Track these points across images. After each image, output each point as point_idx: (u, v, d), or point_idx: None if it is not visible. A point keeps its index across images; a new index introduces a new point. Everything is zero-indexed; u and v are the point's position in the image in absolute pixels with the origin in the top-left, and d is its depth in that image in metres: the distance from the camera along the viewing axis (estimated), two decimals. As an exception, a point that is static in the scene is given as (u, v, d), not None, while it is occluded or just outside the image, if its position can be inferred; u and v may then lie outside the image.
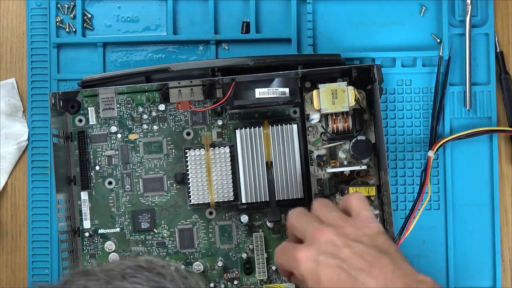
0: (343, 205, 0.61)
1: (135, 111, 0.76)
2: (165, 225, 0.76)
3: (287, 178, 0.73)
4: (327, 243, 0.56)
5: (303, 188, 0.73)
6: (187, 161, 0.74)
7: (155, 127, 0.76)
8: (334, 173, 0.74)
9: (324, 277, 0.55)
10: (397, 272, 0.55)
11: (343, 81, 0.73)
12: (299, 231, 0.60)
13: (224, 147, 0.74)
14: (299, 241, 0.59)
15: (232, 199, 0.74)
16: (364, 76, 0.74)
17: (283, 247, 0.60)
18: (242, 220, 0.75)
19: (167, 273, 0.48)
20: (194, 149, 0.74)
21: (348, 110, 0.72)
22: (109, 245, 0.76)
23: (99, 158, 0.76)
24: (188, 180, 0.74)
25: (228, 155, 0.74)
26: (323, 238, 0.56)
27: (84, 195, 0.76)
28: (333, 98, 0.72)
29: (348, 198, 0.61)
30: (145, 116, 0.76)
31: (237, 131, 0.73)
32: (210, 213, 0.76)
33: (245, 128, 0.74)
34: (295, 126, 0.74)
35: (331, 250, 0.56)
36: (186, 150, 0.74)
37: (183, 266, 0.60)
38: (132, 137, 0.76)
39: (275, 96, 0.71)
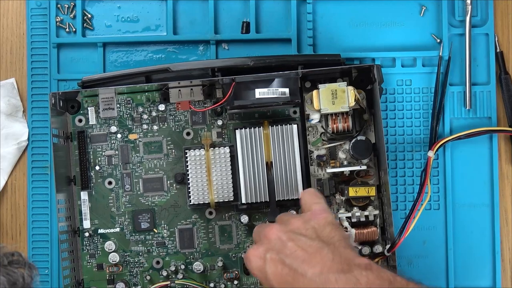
0: (301, 204, 0.66)
1: (135, 111, 0.76)
2: (165, 225, 0.76)
3: (287, 178, 0.73)
4: (274, 240, 0.60)
5: (303, 188, 0.73)
6: (187, 161, 0.74)
7: (155, 127, 0.76)
8: (334, 173, 0.74)
9: (269, 273, 0.59)
10: (336, 259, 0.57)
11: (343, 81, 0.73)
12: (257, 235, 0.64)
13: (224, 147, 0.74)
14: None
15: (232, 199, 0.74)
16: (364, 76, 0.74)
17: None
18: (242, 220, 0.75)
19: None
20: (194, 149, 0.74)
21: (348, 110, 0.72)
22: (109, 245, 0.76)
23: (99, 158, 0.76)
24: (188, 180, 0.74)
25: (228, 155, 0.74)
26: (271, 235, 0.60)
27: (84, 195, 0.76)
28: (333, 98, 0.72)
29: (301, 197, 0.66)
30: (145, 116, 0.76)
31: (237, 131, 0.73)
32: (210, 213, 0.76)
33: (245, 128, 0.74)
34: (295, 126, 0.74)
35: (277, 246, 0.59)
36: (186, 150, 0.74)
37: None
38: (132, 137, 0.76)
39: (275, 96, 0.71)
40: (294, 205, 0.75)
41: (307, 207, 0.64)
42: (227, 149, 0.74)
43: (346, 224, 0.74)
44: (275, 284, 0.58)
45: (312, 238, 0.59)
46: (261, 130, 0.74)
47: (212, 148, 0.74)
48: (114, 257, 0.75)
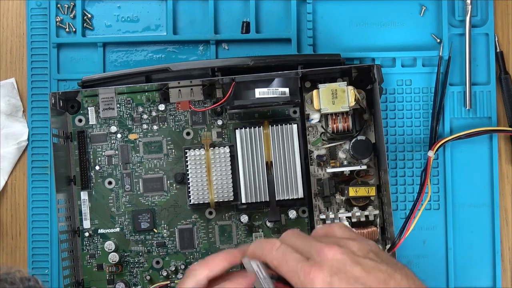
0: (324, 233, 0.58)
1: (135, 111, 0.76)
2: (165, 225, 0.76)
3: (287, 178, 0.73)
4: (337, 261, 0.53)
5: (303, 188, 0.73)
6: (187, 161, 0.74)
7: (155, 127, 0.76)
8: (334, 173, 0.74)
9: None
10: (410, 282, 0.53)
11: (343, 81, 0.73)
12: (302, 245, 0.56)
13: (224, 147, 0.74)
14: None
15: (232, 199, 0.74)
16: (364, 76, 0.74)
17: (285, 254, 0.55)
18: (242, 220, 0.75)
19: (8, 278, 0.48)
20: (194, 149, 0.74)
21: (348, 110, 0.72)
22: (109, 245, 0.76)
23: (99, 158, 0.76)
24: (188, 180, 0.74)
25: (228, 155, 0.74)
26: (331, 255, 0.53)
27: (84, 195, 0.76)
28: (333, 98, 0.72)
29: (331, 227, 0.58)
30: (145, 116, 0.76)
31: (237, 131, 0.73)
32: (210, 213, 0.76)
33: (245, 128, 0.74)
34: (295, 126, 0.74)
35: (343, 269, 0.53)
36: (186, 150, 0.74)
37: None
38: (132, 137, 0.76)
39: (275, 96, 0.71)
40: (294, 205, 0.75)
41: (346, 236, 0.57)
42: (227, 149, 0.74)
43: (346, 224, 0.74)
44: None
45: (376, 262, 0.54)
46: (261, 130, 0.74)
47: (212, 148, 0.74)
48: (114, 257, 0.75)
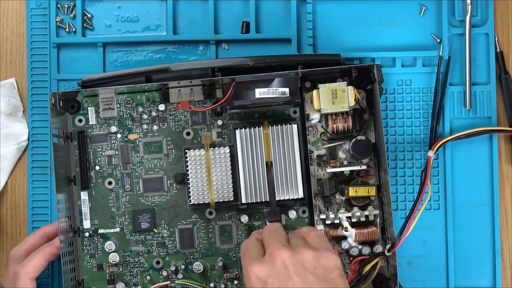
0: (302, 234, 0.62)
1: (135, 111, 0.76)
2: (165, 225, 0.76)
3: (287, 178, 0.73)
4: (280, 265, 0.57)
5: (303, 188, 0.73)
6: (187, 161, 0.74)
7: (155, 127, 0.76)
8: (334, 173, 0.74)
9: None
10: None
11: (343, 81, 0.73)
12: (265, 242, 0.61)
13: (224, 147, 0.74)
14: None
15: (232, 199, 0.74)
16: (364, 76, 0.74)
17: (246, 248, 0.61)
18: (242, 220, 0.75)
19: None
20: (194, 149, 0.74)
21: (348, 110, 0.72)
22: (109, 245, 0.76)
23: (99, 158, 0.76)
24: (188, 180, 0.74)
25: (228, 155, 0.74)
26: (279, 258, 0.57)
27: (84, 195, 0.76)
28: (333, 98, 0.72)
29: (308, 233, 0.62)
30: (145, 116, 0.76)
31: (237, 131, 0.73)
32: (210, 213, 0.76)
33: (245, 128, 0.74)
34: (295, 126, 0.74)
35: (282, 274, 0.56)
36: (186, 150, 0.74)
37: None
38: (132, 137, 0.76)
39: (275, 96, 0.71)
40: (294, 205, 0.75)
41: (317, 244, 0.60)
42: (227, 149, 0.74)
43: (346, 224, 0.74)
44: None
45: (319, 279, 0.57)
46: (261, 130, 0.74)
47: (212, 148, 0.74)
48: (114, 257, 0.75)
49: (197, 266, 0.75)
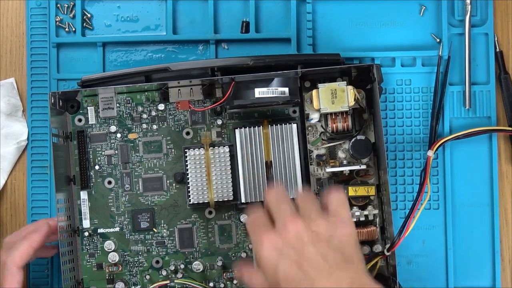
0: (323, 200, 0.61)
1: (134, 110, 0.76)
2: (165, 225, 0.76)
3: (286, 177, 0.73)
4: (295, 236, 0.56)
5: (302, 187, 0.73)
6: (186, 161, 0.74)
7: (155, 127, 0.76)
8: (333, 172, 0.74)
9: (281, 271, 0.56)
10: (355, 282, 0.55)
11: (342, 81, 0.73)
12: (274, 212, 0.60)
13: (224, 146, 0.74)
14: (272, 219, 0.60)
15: (231, 199, 0.74)
16: (363, 76, 0.74)
17: (254, 220, 0.60)
18: (241, 220, 0.75)
19: None
20: (194, 149, 0.74)
21: (348, 109, 0.72)
22: (109, 244, 0.76)
23: (99, 158, 0.76)
24: (188, 179, 0.74)
25: (228, 154, 0.74)
26: (293, 228, 0.56)
27: (83, 195, 0.76)
28: (332, 98, 0.72)
29: (329, 196, 0.61)
30: (144, 116, 0.76)
31: (237, 131, 0.73)
32: (210, 212, 0.76)
33: (245, 127, 0.74)
34: (294, 126, 0.74)
35: (297, 244, 0.56)
36: (185, 150, 0.74)
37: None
38: (131, 136, 0.76)
39: (274, 95, 0.71)
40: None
41: (333, 211, 0.60)
42: (226, 149, 0.74)
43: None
44: (283, 283, 0.56)
45: (335, 250, 0.56)
46: (260, 130, 0.74)
47: (211, 148, 0.74)
48: (113, 257, 0.75)
49: (197, 265, 0.75)
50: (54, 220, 0.73)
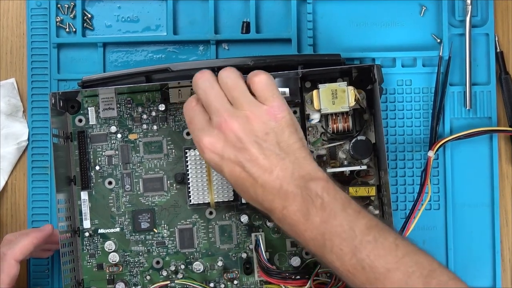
0: (252, 87, 0.62)
1: (135, 111, 0.76)
2: (165, 225, 0.76)
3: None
4: (233, 137, 0.59)
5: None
6: (187, 161, 0.74)
7: (155, 127, 0.76)
8: (334, 173, 0.74)
9: (226, 171, 0.60)
10: (295, 173, 0.59)
11: (343, 81, 0.73)
12: (206, 105, 0.62)
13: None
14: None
15: (232, 199, 0.74)
16: (364, 76, 0.74)
17: (190, 117, 0.63)
18: (242, 220, 0.75)
19: None
20: (194, 149, 0.74)
21: (348, 110, 0.72)
22: (109, 245, 0.76)
23: (99, 158, 0.76)
24: (188, 180, 0.74)
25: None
26: (229, 131, 0.59)
27: (84, 195, 0.76)
28: (333, 98, 0.72)
29: (252, 80, 0.62)
30: (145, 116, 0.76)
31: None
32: (210, 213, 0.76)
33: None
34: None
35: (237, 145, 0.59)
36: (186, 150, 0.74)
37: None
38: (132, 137, 0.76)
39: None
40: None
41: (262, 98, 0.61)
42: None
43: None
44: (231, 181, 0.61)
45: (273, 144, 0.59)
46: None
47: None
48: (114, 257, 0.75)
49: (197, 266, 0.75)
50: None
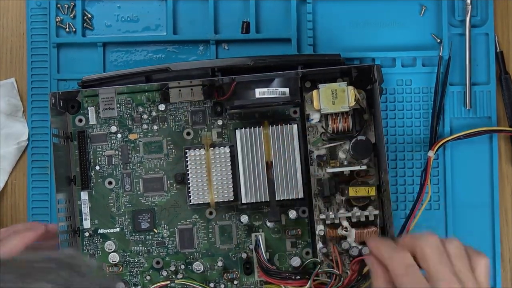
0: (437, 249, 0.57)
1: (135, 111, 0.76)
2: (165, 225, 0.76)
3: (287, 178, 0.73)
4: None
5: (303, 188, 0.73)
6: (187, 161, 0.74)
7: (155, 127, 0.76)
8: (334, 173, 0.74)
9: None
10: None
11: (343, 81, 0.73)
12: (432, 273, 0.56)
13: (224, 147, 0.74)
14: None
15: (232, 199, 0.74)
16: (364, 76, 0.74)
17: (403, 271, 0.56)
18: (242, 220, 0.75)
19: (87, 271, 0.47)
20: (194, 149, 0.74)
21: (348, 110, 0.72)
22: (109, 245, 0.76)
23: (99, 158, 0.76)
24: (188, 180, 0.74)
25: (228, 155, 0.74)
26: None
27: (84, 195, 0.76)
28: (333, 98, 0.72)
29: (476, 260, 0.57)
30: (145, 116, 0.76)
31: (237, 131, 0.73)
32: (210, 213, 0.76)
33: (245, 128, 0.73)
34: (295, 126, 0.74)
35: None
36: (186, 150, 0.74)
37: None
38: (132, 137, 0.76)
39: (275, 96, 0.71)
40: (294, 205, 0.75)
41: (479, 278, 0.57)
42: (227, 149, 0.74)
43: (346, 224, 0.74)
44: None
45: None
46: (261, 130, 0.73)
47: (212, 148, 0.74)
48: (114, 257, 0.75)
49: (197, 266, 0.75)
50: (53, 225, 0.73)
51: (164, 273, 0.75)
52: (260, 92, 0.71)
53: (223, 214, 0.76)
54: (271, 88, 0.71)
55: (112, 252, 0.75)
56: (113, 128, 0.76)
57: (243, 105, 0.71)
